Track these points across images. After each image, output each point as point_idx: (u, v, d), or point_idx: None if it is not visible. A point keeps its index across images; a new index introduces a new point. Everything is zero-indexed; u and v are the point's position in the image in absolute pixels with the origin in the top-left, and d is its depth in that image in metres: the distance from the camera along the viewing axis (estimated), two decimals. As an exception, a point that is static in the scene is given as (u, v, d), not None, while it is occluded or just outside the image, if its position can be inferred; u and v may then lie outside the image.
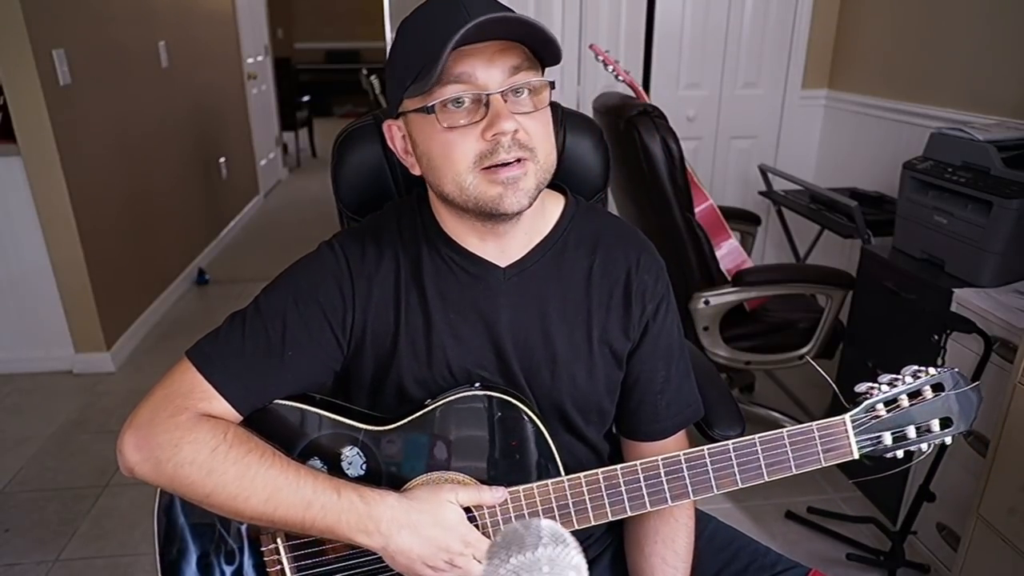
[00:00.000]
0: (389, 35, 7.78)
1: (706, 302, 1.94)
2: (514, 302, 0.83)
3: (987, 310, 1.50)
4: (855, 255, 2.01)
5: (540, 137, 0.75)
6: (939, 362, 1.60)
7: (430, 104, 0.72)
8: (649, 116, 1.80)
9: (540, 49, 0.74)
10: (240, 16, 4.67)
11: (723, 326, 2.01)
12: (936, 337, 1.60)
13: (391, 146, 0.83)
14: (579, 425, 0.88)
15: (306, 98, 6.62)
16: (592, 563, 0.92)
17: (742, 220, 2.50)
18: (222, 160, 4.27)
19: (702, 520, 0.98)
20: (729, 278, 1.97)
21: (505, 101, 0.72)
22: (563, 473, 0.81)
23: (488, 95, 0.72)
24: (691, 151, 2.82)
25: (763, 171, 2.61)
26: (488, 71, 0.72)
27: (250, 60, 4.94)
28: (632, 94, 2.13)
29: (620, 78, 2.17)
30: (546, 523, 0.74)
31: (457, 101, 0.72)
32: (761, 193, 2.69)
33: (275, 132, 5.76)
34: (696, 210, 1.98)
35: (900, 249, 1.87)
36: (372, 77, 5.13)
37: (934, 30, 2.32)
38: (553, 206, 0.87)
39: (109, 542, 1.85)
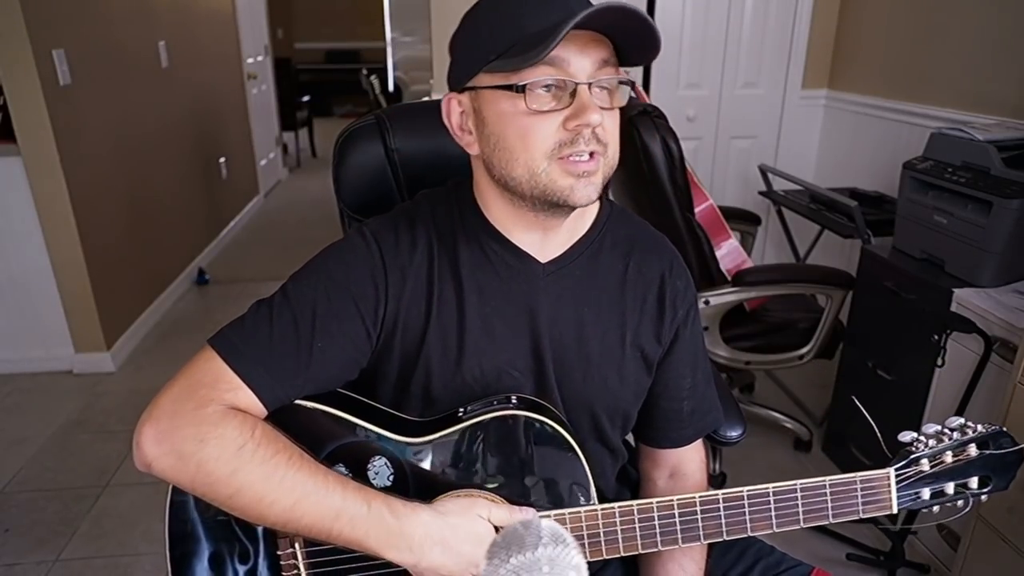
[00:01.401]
0: (389, 35, 7.79)
1: (706, 302, 1.94)
2: (552, 299, 0.82)
3: (987, 310, 1.50)
4: (855, 255, 2.01)
5: (613, 134, 0.75)
6: (939, 362, 1.60)
7: (520, 83, 0.70)
8: (649, 116, 1.80)
9: (630, 47, 0.72)
10: (240, 16, 4.67)
11: (723, 326, 2.01)
12: (936, 337, 1.60)
13: (445, 120, 0.80)
14: (606, 430, 0.87)
15: (306, 98, 6.62)
16: (600, 570, 0.91)
17: (742, 220, 2.50)
18: (222, 160, 4.27)
19: None
20: (729, 278, 1.97)
21: (590, 92, 0.71)
22: (596, 500, 0.79)
23: (577, 84, 0.70)
24: (691, 151, 2.82)
25: (763, 171, 2.61)
26: (581, 60, 0.70)
27: (250, 60, 4.93)
28: (632, 94, 2.13)
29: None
30: (546, 523, 0.74)
31: (547, 85, 0.70)
32: (761, 193, 2.69)
33: (275, 132, 5.76)
34: (696, 210, 1.98)
35: (900, 249, 1.87)
36: (372, 77, 5.14)
37: (934, 30, 2.32)
38: (591, 206, 0.85)
39: (109, 542, 1.85)
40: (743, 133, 3.00)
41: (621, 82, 0.74)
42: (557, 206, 0.74)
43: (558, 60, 0.69)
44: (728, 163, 3.04)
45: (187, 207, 3.68)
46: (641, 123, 1.79)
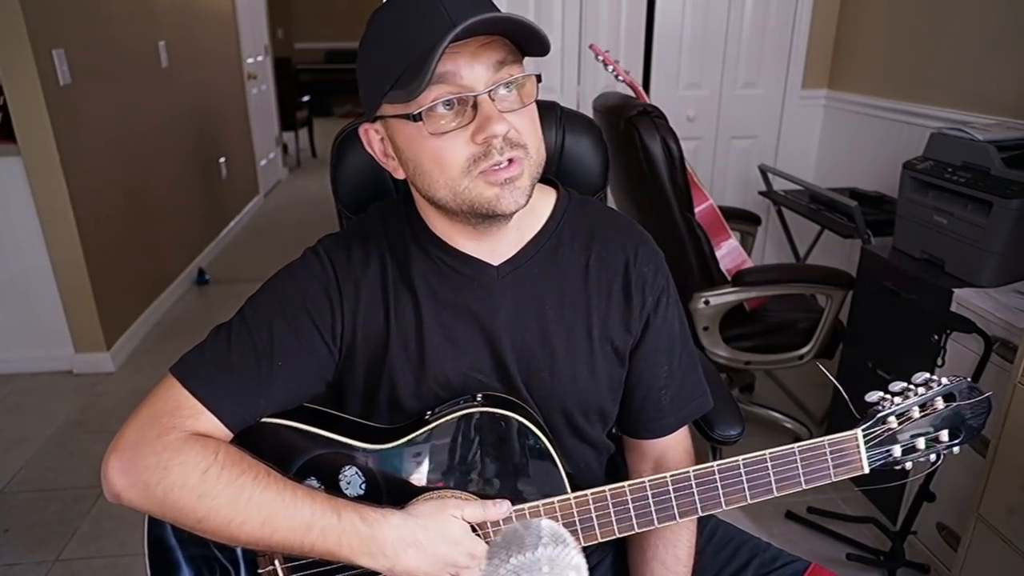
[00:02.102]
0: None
1: (706, 302, 1.94)
2: (510, 301, 0.81)
3: (987, 310, 1.50)
4: (855, 255, 2.01)
5: (530, 133, 0.73)
6: (939, 362, 1.60)
7: (415, 112, 0.69)
8: (649, 116, 1.80)
9: (524, 41, 0.70)
10: (240, 16, 4.67)
11: (723, 326, 2.01)
12: (936, 337, 1.60)
13: (368, 150, 0.80)
14: (582, 426, 0.86)
15: (306, 98, 6.62)
16: (593, 569, 0.91)
17: (742, 220, 2.50)
18: (222, 160, 4.27)
19: (702, 519, 0.96)
20: (729, 278, 1.97)
21: (492, 100, 0.69)
22: (569, 489, 0.79)
23: (476, 96, 0.69)
24: (691, 151, 2.82)
25: (763, 171, 2.61)
26: (472, 68, 0.68)
27: (250, 60, 4.94)
28: (632, 94, 2.13)
29: (620, 78, 2.17)
30: (546, 523, 0.74)
31: (446, 104, 0.69)
32: (761, 193, 2.69)
33: (275, 132, 5.76)
34: (696, 210, 1.98)
35: (900, 249, 1.87)
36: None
37: (934, 30, 2.32)
38: (544, 200, 0.84)
39: (109, 542, 1.85)
40: (743, 133, 3.00)
41: (531, 75, 0.72)
42: (488, 217, 0.74)
43: (448, 75, 0.68)
44: (728, 163, 3.03)
45: (187, 207, 3.68)
46: (641, 123, 1.79)
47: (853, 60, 2.79)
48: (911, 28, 2.44)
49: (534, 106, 0.75)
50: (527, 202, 0.74)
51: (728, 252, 2.09)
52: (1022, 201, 1.52)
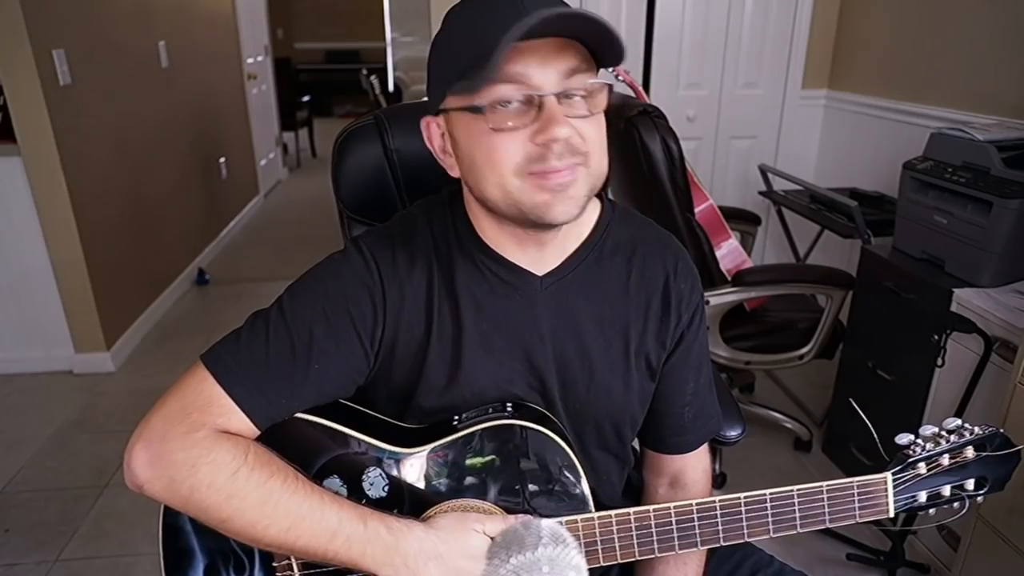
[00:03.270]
0: (389, 35, 7.79)
1: (706, 302, 1.94)
2: (551, 313, 0.79)
3: (987, 310, 1.50)
4: (855, 255, 2.01)
5: (594, 142, 0.71)
6: (939, 362, 1.60)
7: (479, 104, 0.67)
8: (649, 116, 1.80)
9: (600, 48, 0.68)
10: (240, 16, 4.67)
11: (723, 326, 2.01)
12: (936, 337, 1.60)
13: (428, 144, 0.78)
14: (611, 439, 0.86)
15: (306, 98, 6.62)
16: (602, 574, 0.90)
17: (742, 220, 2.50)
18: (222, 160, 4.27)
19: None
20: (729, 278, 1.97)
21: (559, 104, 0.67)
22: (593, 508, 0.78)
23: (541, 96, 0.67)
24: (691, 151, 2.82)
25: (763, 171, 2.61)
26: (543, 72, 0.66)
27: (250, 60, 4.93)
28: (632, 94, 2.13)
29: (620, 78, 2.17)
30: (546, 523, 0.74)
31: (507, 102, 0.67)
32: (761, 193, 2.69)
33: (275, 132, 5.76)
34: (696, 210, 1.98)
35: (900, 249, 1.87)
36: (372, 77, 5.13)
37: (934, 30, 2.32)
38: (589, 211, 0.82)
39: (109, 542, 1.85)
40: (743, 133, 3.00)
41: (604, 85, 0.70)
42: (538, 224, 0.72)
43: (518, 75, 0.66)
44: (728, 163, 3.04)
45: (187, 207, 3.68)
46: (641, 123, 1.79)
47: (853, 60, 2.79)
48: (911, 28, 2.44)
49: (602, 117, 0.72)
50: (580, 213, 0.72)
51: (728, 252, 2.09)
52: (1022, 201, 1.52)
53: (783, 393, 2.52)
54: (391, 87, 7.50)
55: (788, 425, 2.22)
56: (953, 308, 1.59)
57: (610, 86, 0.71)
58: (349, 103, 8.82)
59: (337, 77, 8.45)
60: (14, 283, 2.57)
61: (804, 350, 2.03)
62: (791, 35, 2.86)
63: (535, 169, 0.68)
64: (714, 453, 1.29)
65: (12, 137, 2.36)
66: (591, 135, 0.70)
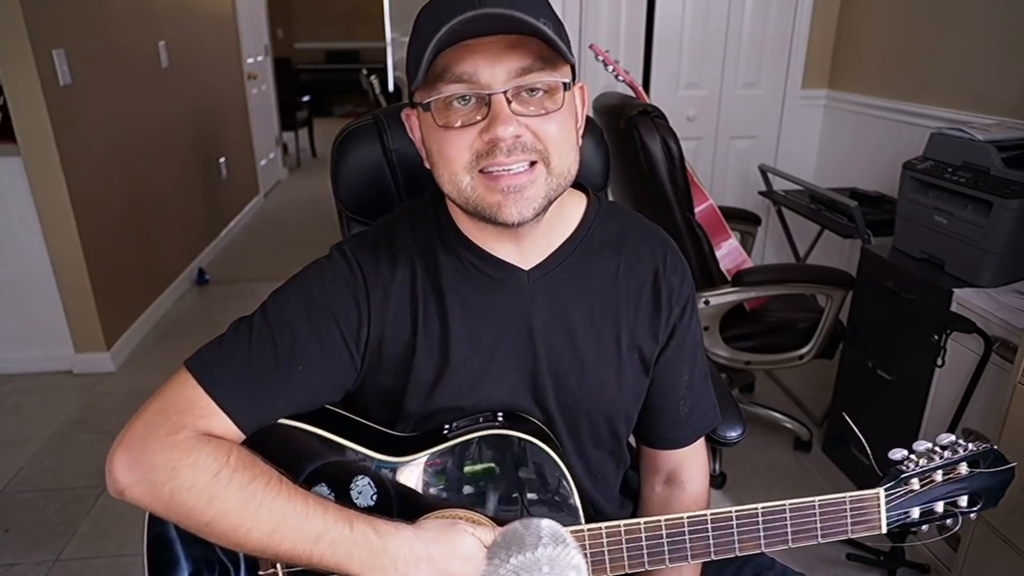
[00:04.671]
0: (389, 35, 7.79)
1: (706, 302, 1.94)
2: (540, 307, 0.79)
3: (987, 310, 1.50)
4: (855, 255, 2.01)
5: (554, 140, 0.69)
6: (939, 362, 1.60)
7: (427, 101, 0.69)
8: (649, 116, 1.80)
9: (554, 46, 0.67)
10: (240, 16, 4.67)
11: (723, 326, 2.01)
12: (936, 337, 1.60)
13: (410, 135, 0.79)
14: (606, 436, 0.85)
15: (306, 98, 6.62)
16: None
17: (742, 220, 2.50)
18: (222, 160, 4.27)
19: None
20: (729, 278, 1.97)
21: (511, 102, 0.67)
22: (583, 521, 0.78)
23: (490, 95, 0.67)
24: (691, 151, 2.82)
25: (763, 171, 2.61)
26: (492, 70, 0.66)
27: (250, 60, 4.93)
28: (632, 94, 2.13)
29: (620, 78, 2.17)
30: (546, 523, 0.74)
31: (462, 98, 0.67)
32: (761, 193, 2.69)
33: (275, 132, 5.76)
34: (696, 210, 1.98)
35: (900, 249, 1.87)
36: (372, 77, 5.13)
37: (934, 30, 2.32)
38: (575, 206, 0.82)
39: (109, 542, 1.85)
40: (743, 133, 3.00)
41: (559, 83, 0.69)
42: (495, 223, 0.71)
43: (466, 75, 0.66)
44: (728, 163, 3.03)
45: (187, 207, 3.68)
46: (641, 123, 1.79)
47: (853, 60, 2.79)
48: (911, 28, 2.44)
49: (567, 116, 0.71)
50: (536, 216, 0.71)
51: (728, 252, 2.09)
52: (1022, 201, 1.52)
53: (783, 393, 2.52)
54: (391, 87, 7.50)
55: (788, 425, 2.22)
56: (953, 308, 1.59)
57: (565, 84, 0.69)
58: (349, 103, 8.83)
59: (337, 77, 8.45)
60: (14, 283, 2.57)
61: (804, 350, 2.03)
62: (791, 35, 2.86)
63: (484, 166, 0.69)
64: (714, 453, 1.29)
65: (12, 137, 2.36)
66: (549, 134, 0.69)
